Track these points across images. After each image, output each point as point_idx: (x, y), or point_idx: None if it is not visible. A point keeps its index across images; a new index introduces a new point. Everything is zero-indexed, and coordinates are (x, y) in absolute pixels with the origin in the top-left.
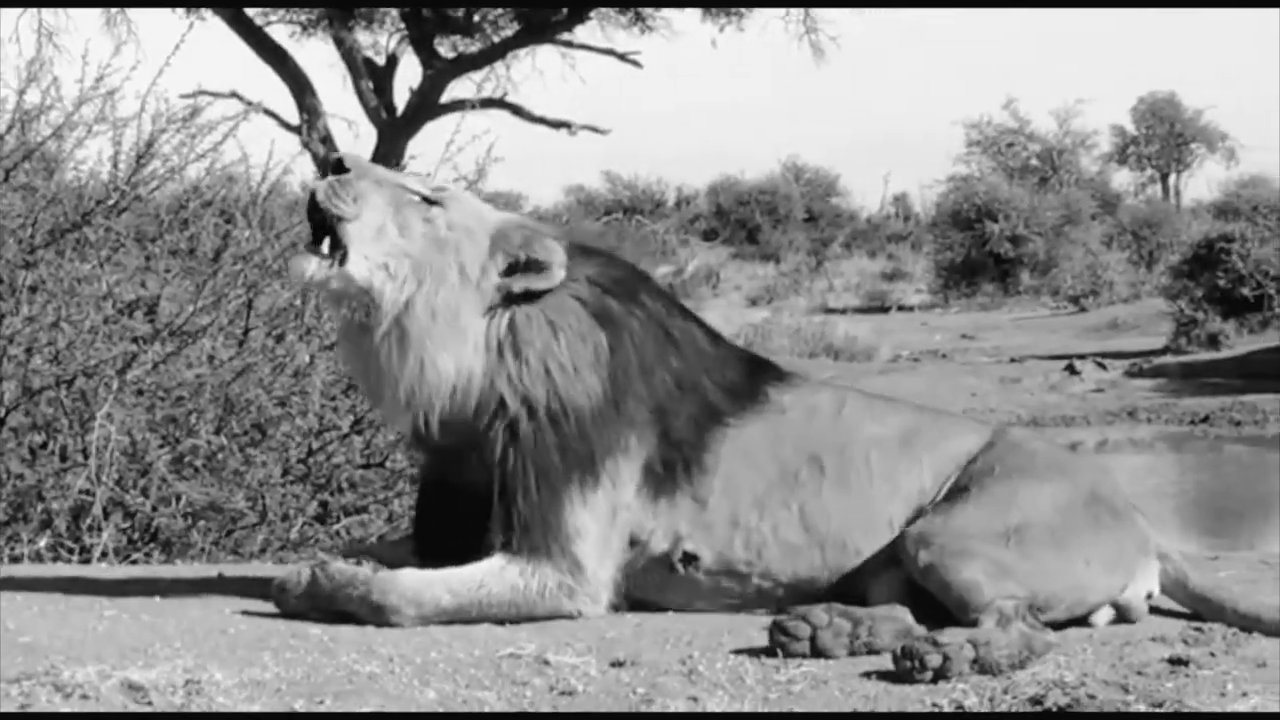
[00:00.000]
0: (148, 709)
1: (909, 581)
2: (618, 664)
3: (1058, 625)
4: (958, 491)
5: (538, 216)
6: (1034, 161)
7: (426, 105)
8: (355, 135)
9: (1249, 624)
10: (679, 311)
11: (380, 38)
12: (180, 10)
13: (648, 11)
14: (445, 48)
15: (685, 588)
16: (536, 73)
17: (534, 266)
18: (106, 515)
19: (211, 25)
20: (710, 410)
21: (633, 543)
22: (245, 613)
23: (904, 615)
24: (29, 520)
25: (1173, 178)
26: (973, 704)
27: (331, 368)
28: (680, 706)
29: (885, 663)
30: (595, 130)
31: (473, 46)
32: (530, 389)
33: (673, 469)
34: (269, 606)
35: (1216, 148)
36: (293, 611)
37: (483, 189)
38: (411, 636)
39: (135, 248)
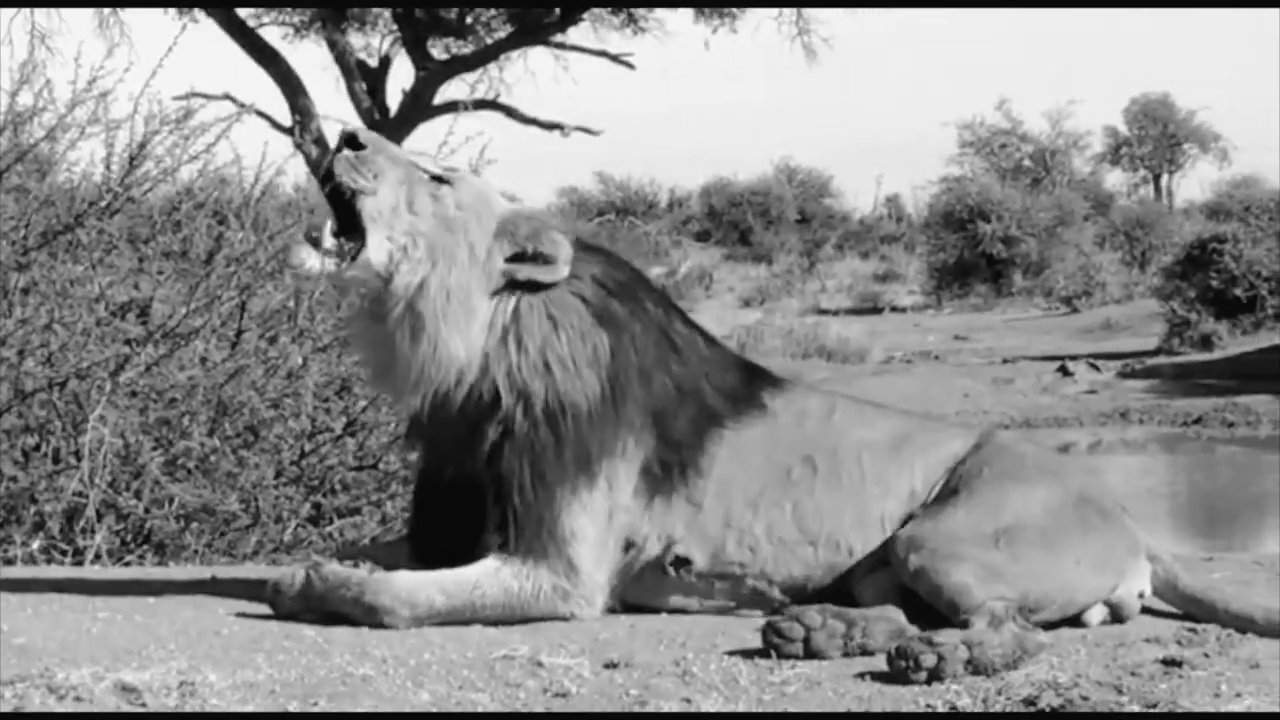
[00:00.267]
0: (141, 710)
1: (900, 585)
2: (611, 665)
3: (1050, 626)
4: (947, 495)
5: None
6: (1026, 162)
7: (419, 107)
8: None
9: (1242, 625)
10: (679, 316)
11: (373, 39)
12: (173, 12)
13: (640, 13)
14: (438, 49)
15: (679, 590)
16: (529, 74)
17: (540, 259)
18: (100, 517)
19: (204, 27)
20: (708, 414)
21: (628, 546)
22: (239, 614)
23: (898, 616)
24: (22, 522)
25: (1165, 178)
26: (966, 705)
27: (324, 369)
28: (674, 708)
29: (879, 664)
30: (588, 131)
31: (465, 48)
32: (528, 382)
33: (669, 472)
34: (263, 608)
35: (1209, 148)
36: (287, 613)
37: None
38: (405, 638)
39: (128, 249)
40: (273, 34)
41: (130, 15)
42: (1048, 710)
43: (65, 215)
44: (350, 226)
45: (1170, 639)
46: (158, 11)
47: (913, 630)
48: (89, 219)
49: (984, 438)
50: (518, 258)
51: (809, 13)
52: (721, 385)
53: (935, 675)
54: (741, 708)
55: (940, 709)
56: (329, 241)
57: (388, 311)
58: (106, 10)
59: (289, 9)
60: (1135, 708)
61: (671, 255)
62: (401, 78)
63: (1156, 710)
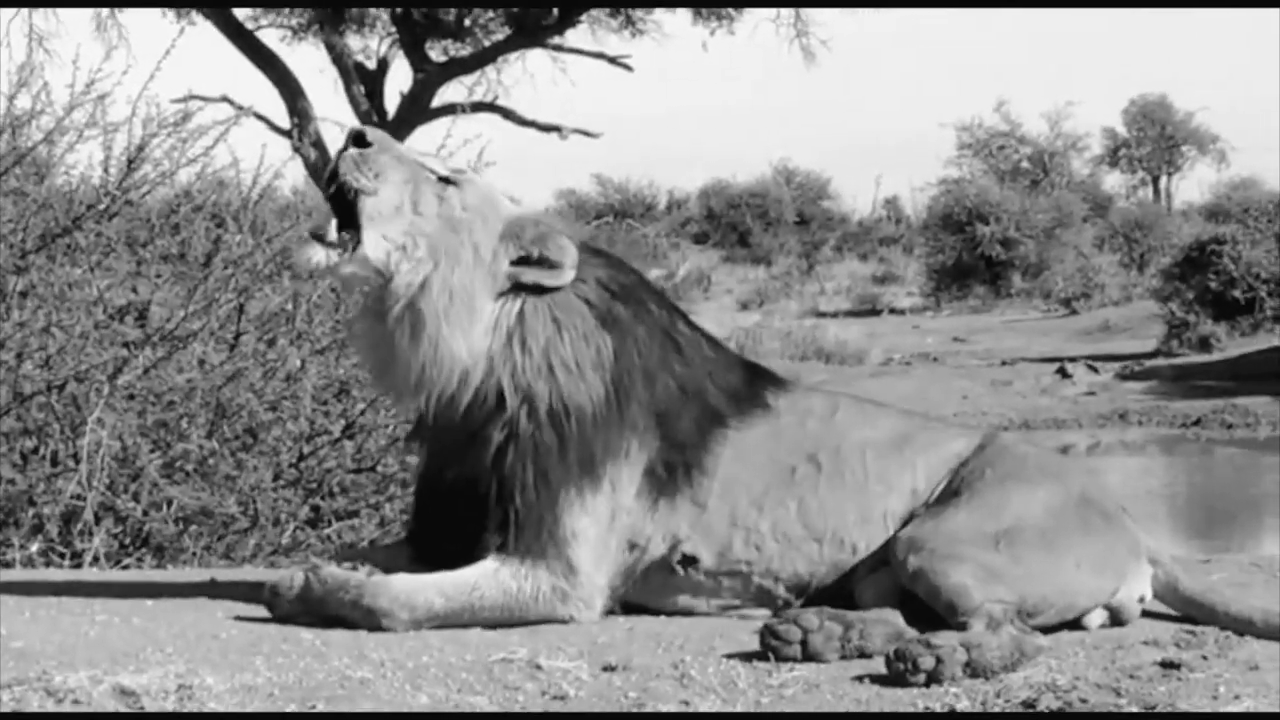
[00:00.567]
0: (139, 713)
1: (899, 588)
2: (609, 668)
3: (1050, 629)
4: (948, 495)
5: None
6: (1025, 164)
7: (417, 109)
8: None
9: (1241, 627)
10: (682, 318)
11: (371, 42)
12: (171, 15)
13: (638, 15)
14: (436, 52)
15: (686, 589)
16: (527, 76)
17: (546, 263)
18: (98, 520)
19: (202, 30)
20: (712, 414)
21: (631, 547)
22: (237, 617)
23: (895, 618)
24: (20, 525)
25: (1164, 180)
26: (965, 707)
27: (323, 372)
28: (672, 710)
29: (877, 666)
30: (586, 134)
31: (463, 50)
32: (532, 384)
33: (673, 473)
34: (261, 611)
35: (1207, 150)
36: (285, 616)
37: None
38: (404, 641)
39: (126, 252)
40: (271, 36)
41: (128, 18)
42: (1046, 712)
43: (63, 218)
44: (356, 225)
45: (1169, 641)
46: (156, 14)
47: (911, 633)
48: (87, 222)
49: (987, 439)
50: (523, 261)
51: (807, 14)
52: (725, 385)
53: (933, 678)
54: (739, 710)
55: (939, 710)
56: (333, 235)
57: (388, 309)
58: (105, 13)
59: (287, 10)
60: (1134, 710)
61: (670, 257)
62: (400, 80)
63: (1155, 711)
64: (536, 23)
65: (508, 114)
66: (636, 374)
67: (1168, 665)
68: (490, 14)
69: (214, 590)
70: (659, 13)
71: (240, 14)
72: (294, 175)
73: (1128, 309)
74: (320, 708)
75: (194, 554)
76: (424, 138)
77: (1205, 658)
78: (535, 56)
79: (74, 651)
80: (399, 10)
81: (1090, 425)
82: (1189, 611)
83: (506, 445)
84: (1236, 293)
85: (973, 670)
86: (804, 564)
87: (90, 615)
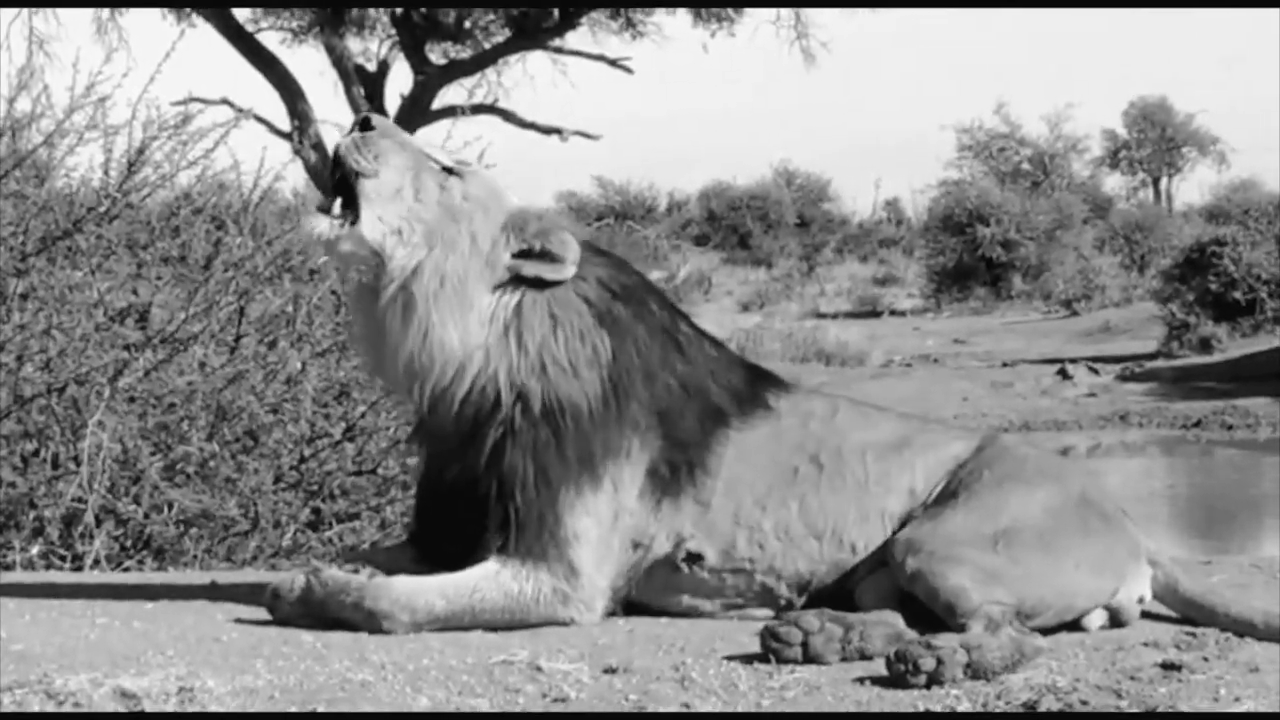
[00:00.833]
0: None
1: (898, 589)
2: (610, 670)
3: (1049, 630)
4: (947, 497)
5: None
6: (1025, 166)
7: (418, 111)
8: None
9: (1241, 629)
10: (684, 319)
11: (371, 44)
12: (171, 17)
13: (638, 17)
14: (436, 54)
15: (689, 588)
16: (527, 78)
17: (547, 256)
18: (99, 523)
19: (203, 32)
20: (715, 413)
21: (635, 546)
22: (238, 620)
23: (896, 620)
24: (21, 528)
25: (1164, 182)
26: (965, 709)
27: (323, 374)
28: (673, 712)
29: (878, 668)
30: (586, 136)
31: (464, 52)
32: (526, 381)
33: (677, 472)
34: (262, 614)
35: (1208, 152)
36: (286, 618)
37: None
38: (404, 643)
39: (126, 255)
40: (271, 39)
41: (128, 21)
42: (1047, 713)
43: (64, 221)
44: (356, 207)
45: (1169, 643)
46: (156, 17)
47: (911, 634)
48: (87, 224)
49: (986, 440)
50: (525, 254)
51: (807, 16)
52: (727, 385)
53: (934, 679)
54: (741, 711)
55: (939, 711)
56: (337, 209)
57: (381, 290)
58: (105, 16)
59: (287, 13)
60: (1134, 711)
61: (670, 259)
62: (400, 82)
63: (1156, 712)
64: (537, 25)
65: (508, 116)
66: (636, 373)
67: (1168, 667)
68: (490, 16)
69: (215, 593)
70: (659, 15)
71: (240, 16)
72: (294, 178)
73: (1128, 310)
74: (321, 710)
75: (195, 556)
76: (424, 140)
77: (1206, 659)
78: (535, 59)
79: (74, 654)
80: (399, 12)
81: (1091, 427)
82: (1189, 613)
83: (504, 443)
84: (1237, 294)
85: (973, 672)
86: (805, 562)
87: (91, 618)
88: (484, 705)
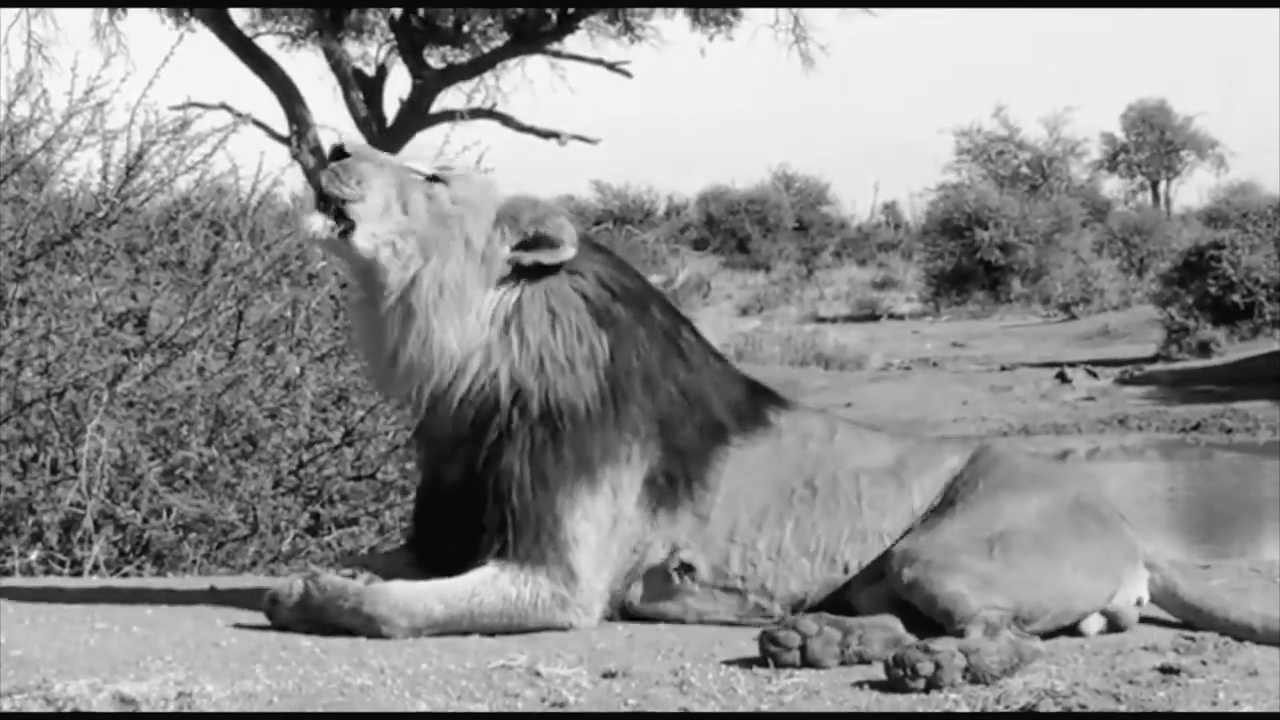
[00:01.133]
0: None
1: (897, 595)
2: (609, 675)
3: (1047, 635)
4: (943, 507)
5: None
6: (1024, 169)
7: (416, 115)
8: None
9: (1240, 633)
10: (688, 327)
11: (370, 48)
12: (170, 22)
13: (637, 21)
14: (435, 58)
15: (680, 599)
16: (526, 82)
17: (545, 242)
18: (98, 528)
19: (201, 37)
20: (715, 427)
21: (631, 552)
22: (237, 625)
23: (894, 624)
24: (20, 533)
25: (1163, 185)
26: (964, 711)
27: (322, 379)
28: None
29: (877, 672)
30: (585, 140)
31: (462, 57)
32: (525, 378)
33: (675, 483)
34: (261, 619)
35: (1206, 155)
36: (284, 624)
37: None
38: (403, 648)
39: (125, 260)
40: (269, 43)
41: (127, 25)
42: (1046, 714)
43: (62, 226)
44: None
45: (1168, 647)
46: (154, 21)
47: (910, 638)
48: (86, 229)
49: (980, 451)
50: (523, 245)
51: (805, 20)
52: (728, 399)
53: (932, 684)
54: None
55: (936, 712)
56: (331, 219)
57: (380, 301)
58: (103, 20)
59: (286, 17)
60: (1133, 712)
61: (669, 263)
62: (398, 87)
63: (1155, 713)
64: (535, 29)
65: (506, 120)
66: (635, 376)
67: (1167, 671)
68: (489, 20)
69: (214, 598)
70: (657, 19)
71: (239, 21)
72: (293, 182)
73: (1127, 314)
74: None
75: (194, 561)
76: (423, 145)
77: (1204, 663)
78: (534, 63)
79: (74, 659)
80: (397, 17)
81: (1090, 430)
82: (1188, 617)
83: (501, 443)
84: (1236, 297)
85: (972, 676)
86: (798, 584)
87: (90, 623)
88: (483, 710)
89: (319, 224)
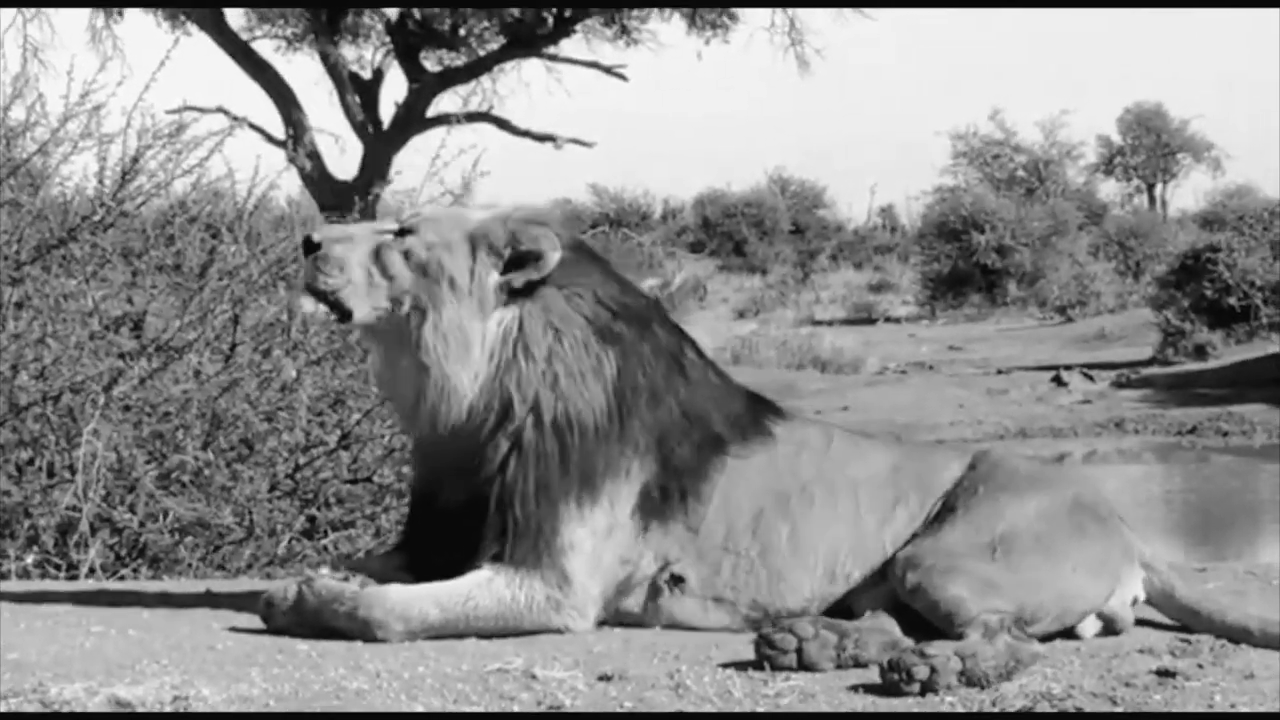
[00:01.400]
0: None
1: (896, 598)
2: (605, 678)
3: (1048, 636)
4: (945, 514)
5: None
6: (1020, 172)
7: (412, 119)
8: (341, 150)
9: (1237, 635)
10: (691, 345)
11: (366, 52)
12: (166, 25)
13: (633, 24)
14: (431, 61)
15: (671, 612)
16: (522, 86)
17: (530, 257)
18: (94, 531)
19: (197, 40)
20: (714, 440)
21: (623, 563)
22: (233, 629)
23: (891, 627)
24: (16, 537)
25: (1159, 188)
26: (960, 712)
27: (318, 383)
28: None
29: (873, 676)
30: (581, 143)
31: (458, 60)
32: (539, 392)
33: (669, 496)
34: (257, 622)
35: (1203, 158)
36: (280, 627)
37: (468, 203)
38: (399, 651)
39: (121, 263)
40: (266, 47)
41: (123, 29)
42: (1042, 714)
43: (58, 229)
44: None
45: (1164, 650)
46: (150, 25)
47: (906, 642)
48: (82, 233)
49: (978, 457)
50: (510, 265)
51: (801, 23)
52: (728, 413)
53: (928, 687)
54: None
55: (932, 713)
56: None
57: (393, 362)
58: (100, 24)
59: (282, 20)
60: (1130, 712)
61: (665, 266)
62: (395, 90)
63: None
64: (531, 32)
65: (503, 124)
66: (642, 392)
67: (1163, 673)
68: (485, 24)
69: (210, 601)
70: (654, 22)
71: (235, 24)
72: (289, 186)
73: (1123, 317)
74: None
75: (190, 565)
76: (419, 147)
77: (1201, 666)
78: (530, 66)
79: (70, 663)
80: (394, 20)
81: (1086, 433)
82: (1185, 619)
83: (510, 455)
84: (1232, 300)
85: (967, 679)
86: (792, 597)
87: (86, 626)
88: (479, 713)
89: (318, 310)
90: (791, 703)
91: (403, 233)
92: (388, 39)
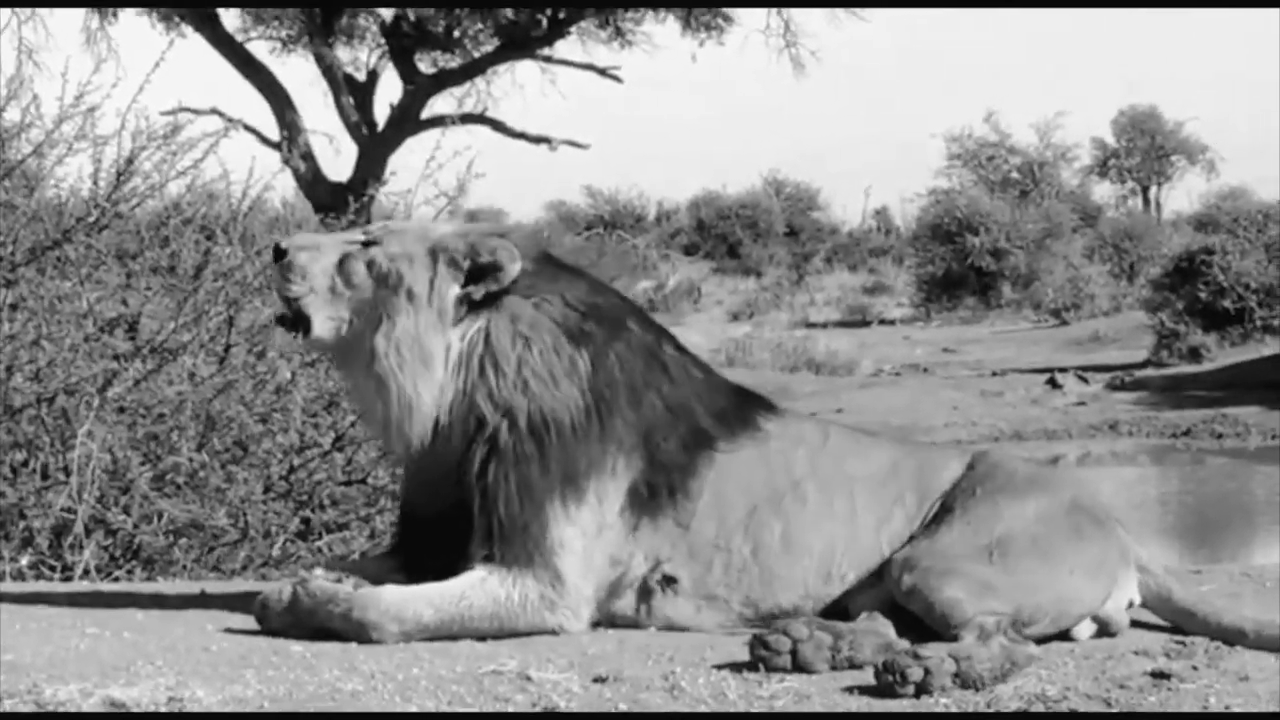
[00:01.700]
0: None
1: (891, 600)
2: (600, 680)
3: (1044, 639)
4: (942, 515)
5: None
6: (1015, 175)
7: (407, 121)
8: (336, 151)
9: (1231, 637)
10: (670, 341)
11: (361, 53)
12: (160, 26)
13: (628, 26)
14: (426, 63)
15: (664, 613)
16: (517, 88)
17: (489, 269)
18: (88, 533)
19: (192, 42)
20: (700, 435)
21: (613, 563)
22: (227, 630)
23: (885, 628)
24: (10, 538)
25: (1153, 190)
26: (954, 712)
27: (313, 385)
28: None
29: (867, 677)
30: (575, 145)
31: (453, 62)
32: (510, 399)
33: (658, 493)
34: (251, 624)
35: (1197, 160)
36: (275, 629)
37: (463, 205)
38: (393, 653)
39: (116, 265)
40: (260, 48)
41: (118, 30)
42: (1038, 714)
43: (53, 231)
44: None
45: (1159, 652)
46: (145, 26)
47: (901, 643)
48: (77, 235)
49: (976, 458)
50: (471, 278)
51: (796, 24)
52: (713, 408)
53: (922, 689)
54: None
55: (927, 713)
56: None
57: (354, 376)
58: (94, 25)
59: (277, 22)
60: (1125, 712)
61: (660, 269)
62: (389, 92)
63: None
64: (526, 34)
65: (497, 125)
66: (619, 389)
67: (1158, 675)
68: (479, 25)
69: (204, 603)
70: (648, 24)
71: (230, 26)
72: (284, 187)
73: (1117, 319)
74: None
75: (184, 567)
76: (413, 149)
77: (1195, 668)
78: (525, 68)
79: (64, 664)
80: (388, 22)
81: (1081, 436)
82: (1180, 621)
83: (490, 460)
84: (1226, 303)
85: (962, 681)
86: (786, 596)
87: (80, 628)
88: (474, 714)
89: (285, 337)
90: (786, 704)
91: (369, 244)
92: (382, 41)
